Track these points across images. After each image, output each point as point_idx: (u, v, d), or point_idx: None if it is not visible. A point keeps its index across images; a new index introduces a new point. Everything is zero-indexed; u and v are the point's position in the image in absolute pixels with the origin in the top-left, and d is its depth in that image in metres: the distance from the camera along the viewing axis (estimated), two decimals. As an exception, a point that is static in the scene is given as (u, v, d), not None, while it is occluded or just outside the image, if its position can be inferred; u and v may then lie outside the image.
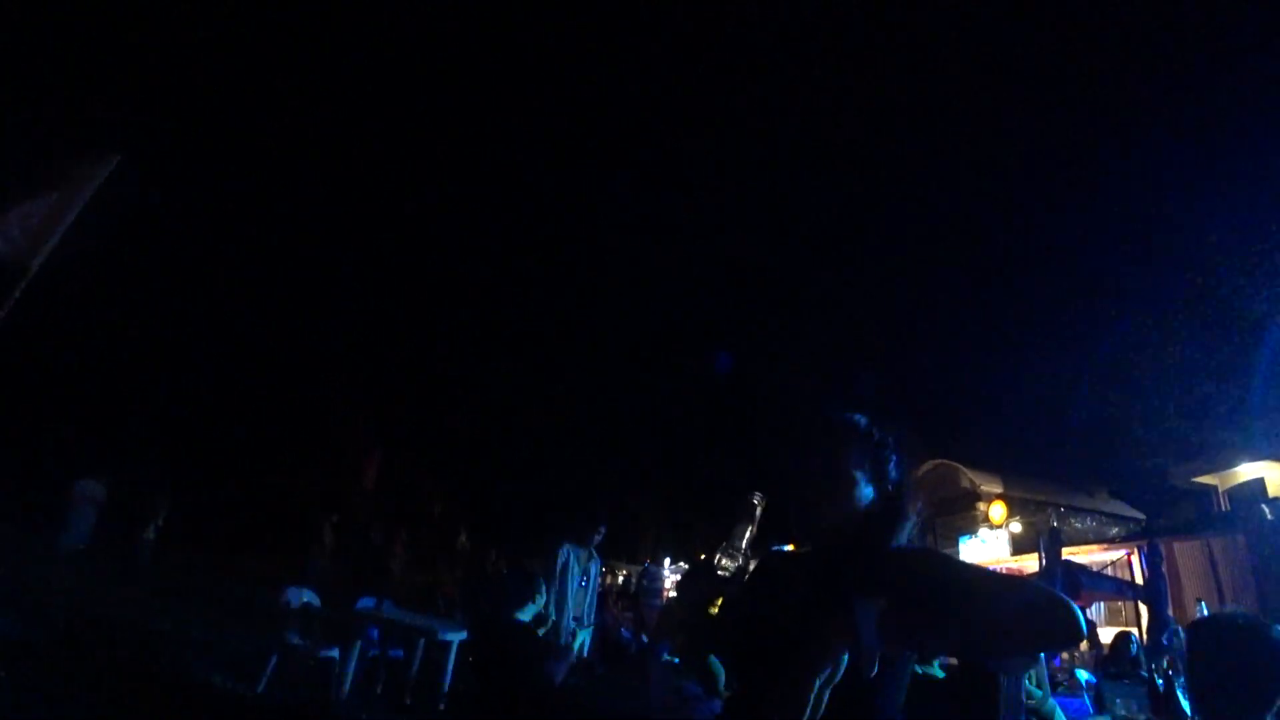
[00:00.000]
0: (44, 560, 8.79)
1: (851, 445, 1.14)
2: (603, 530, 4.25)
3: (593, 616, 4.27)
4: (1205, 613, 5.21)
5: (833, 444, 1.14)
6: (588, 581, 4.12)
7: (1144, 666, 5.01)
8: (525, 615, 2.96)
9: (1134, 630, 6.40)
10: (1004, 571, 14.25)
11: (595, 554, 4.24)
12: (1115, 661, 5.78)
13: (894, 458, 1.15)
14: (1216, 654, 1.40)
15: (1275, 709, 1.33)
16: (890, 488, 1.13)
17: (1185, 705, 2.29)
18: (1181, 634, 4.79)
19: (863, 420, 1.18)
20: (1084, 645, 11.14)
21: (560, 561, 3.94)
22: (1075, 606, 0.85)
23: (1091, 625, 11.15)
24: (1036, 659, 0.88)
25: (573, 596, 4.02)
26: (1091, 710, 4.18)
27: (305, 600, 4.84)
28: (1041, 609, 0.87)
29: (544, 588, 3.18)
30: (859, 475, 1.11)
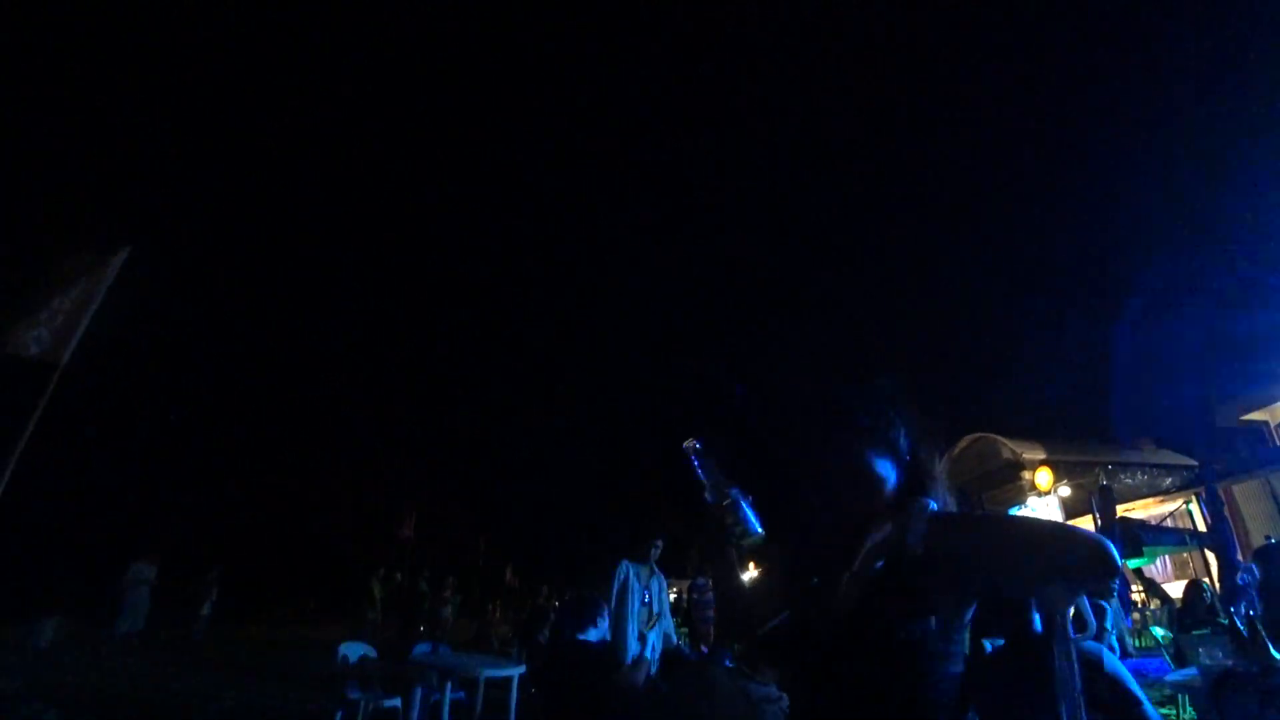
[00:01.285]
0: (105, 647, 8.94)
1: (864, 429, 1.04)
2: (659, 544, 4.15)
3: (667, 631, 4.14)
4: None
5: (845, 434, 1.04)
6: (650, 598, 4.03)
7: (1221, 614, 4.82)
8: (589, 638, 2.93)
9: (1205, 579, 6.20)
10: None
11: (657, 570, 4.15)
12: (1189, 613, 5.58)
13: (891, 415, 1.07)
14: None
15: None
16: (907, 455, 1.06)
17: (1271, 647, 2.19)
18: (1256, 570, 4.62)
19: (867, 393, 1.09)
20: (1155, 602, 10.77)
21: (619, 580, 3.86)
22: (1107, 541, 0.85)
23: (1152, 582, 10.81)
24: (1075, 593, 0.85)
25: (634, 615, 3.93)
26: (1171, 667, 4.03)
27: (362, 654, 4.86)
28: (1069, 538, 0.89)
29: (605, 610, 3.13)
30: (880, 462, 1.03)
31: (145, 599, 9.96)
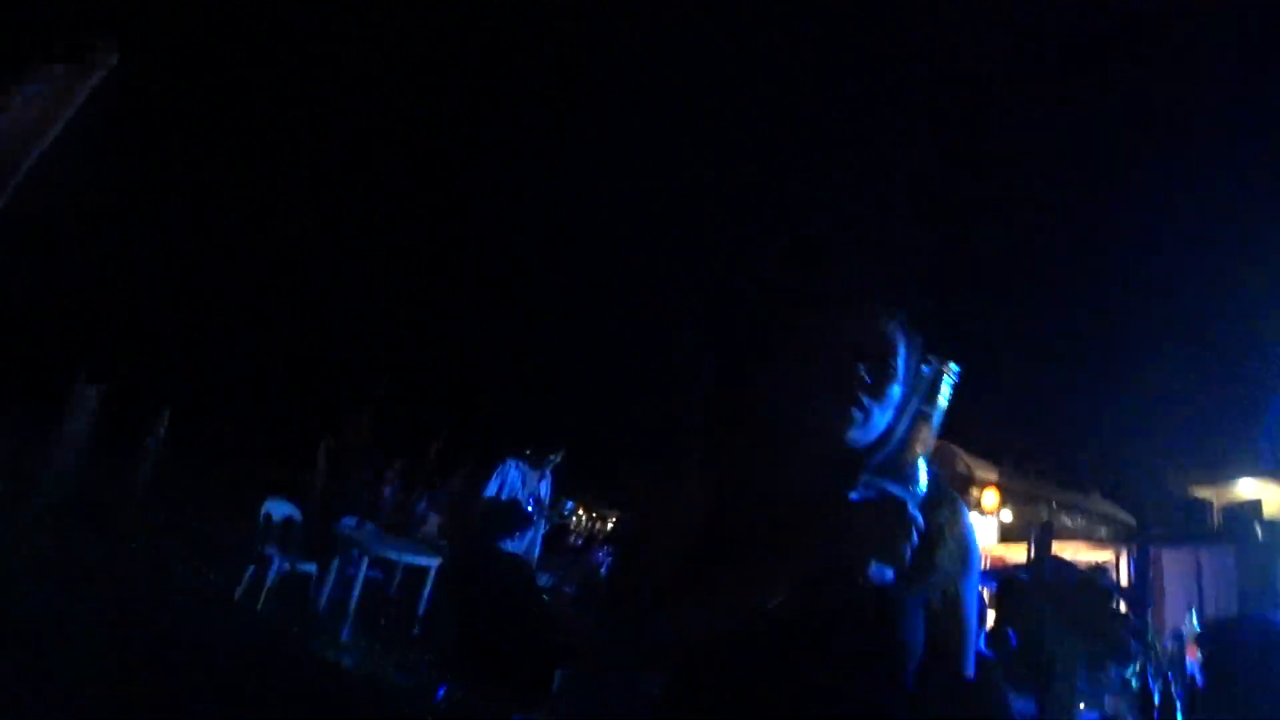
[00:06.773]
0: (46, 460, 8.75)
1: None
2: (555, 459, 4.12)
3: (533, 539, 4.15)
4: (1194, 620, 5.13)
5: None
6: (532, 504, 4.05)
7: (1129, 671, 4.97)
8: (511, 547, 2.88)
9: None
10: (988, 560, 14.25)
11: (549, 475, 4.14)
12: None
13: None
14: (1242, 656, 1.28)
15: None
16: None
17: (1180, 715, 2.15)
18: (1185, 636, 4.73)
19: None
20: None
21: (500, 477, 3.80)
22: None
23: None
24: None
25: None
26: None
27: (287, 515, 4.78)
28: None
29: (530, 519, 3.14)
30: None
31: (84, 425, 9.69)
